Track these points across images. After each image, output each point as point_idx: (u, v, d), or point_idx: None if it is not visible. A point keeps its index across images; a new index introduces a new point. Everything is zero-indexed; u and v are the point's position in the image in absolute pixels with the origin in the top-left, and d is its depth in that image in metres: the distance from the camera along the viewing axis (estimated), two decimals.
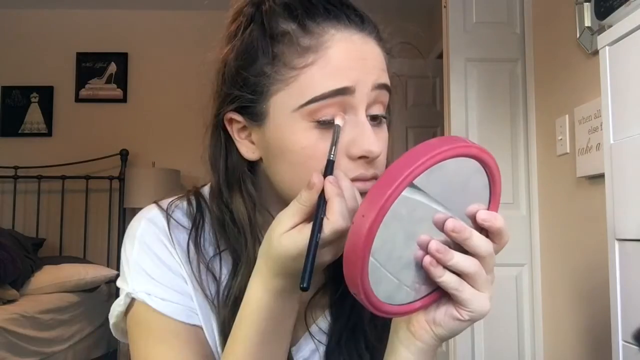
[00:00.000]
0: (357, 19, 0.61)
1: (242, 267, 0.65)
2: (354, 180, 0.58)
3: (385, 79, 0.62)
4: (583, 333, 1.78)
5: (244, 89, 0.62)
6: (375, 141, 0.58)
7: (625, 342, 1.07)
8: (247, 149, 0.65)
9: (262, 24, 0.61)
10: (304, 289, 0.49)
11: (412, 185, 0.48)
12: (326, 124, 0.58)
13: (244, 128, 0.64)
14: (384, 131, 0.63)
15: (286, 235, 0.53)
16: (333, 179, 0.53)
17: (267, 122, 0.61)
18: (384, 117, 0.62)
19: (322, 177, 0.53)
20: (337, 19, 0.60)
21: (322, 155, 0.57)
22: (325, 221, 0.52)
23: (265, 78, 0.60)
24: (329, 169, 0.55)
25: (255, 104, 0.61)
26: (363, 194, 0.59)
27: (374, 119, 0.61)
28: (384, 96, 0.62)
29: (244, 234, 0.65)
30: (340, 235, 0.52)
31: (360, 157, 0.58)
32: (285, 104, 0.59)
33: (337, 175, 0.55)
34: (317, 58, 0.58)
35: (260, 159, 0.64)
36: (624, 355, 1.08)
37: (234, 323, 0.59)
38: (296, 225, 0.53)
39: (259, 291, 0.57)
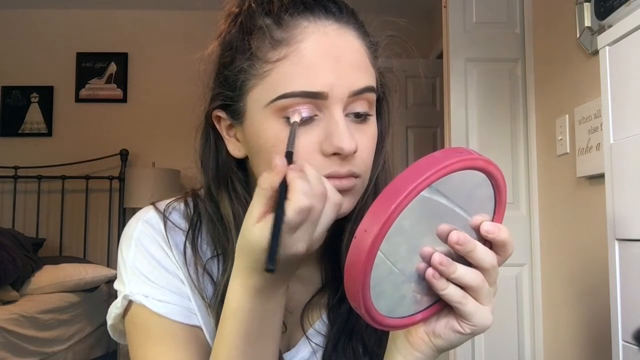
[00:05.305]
0: (335, 10, 0.61)
1: (228, 264, 0.64)
2: (327, 177, 0.57)
3: (365, 81, 0.60)
4: (583, 333, 1.78)
5: (224, 86, 0.62)
6: (347, 138, 0.57)
7: (625, 342, 1.07)
8: (234, 147, 0.65)
9: (241, 23, 0.61)
10: (269, 271, 0.45)
11: (415, 198, 0.47)
12: (299, 123, 0.57)
13: (230, 126, 0.65)
14: (369, 128, 0.62)
15: (256, 227, 0.50)
16: (294, 165, 0.51)
17: (246, 119, 0.61)
18: (369, 115, 0.61)
19: (285, 160, 0.51)
20: (310, 10, 0.59)
21: (295, 153, 0.56)
22: (286, 203, 0.48)
23: (242, 74, 0.60)
24: (288, 159, 0.52)
25: (235, 102, 0.62)
26: (339, 192, 0.59)
27: (357, 116, 0.60)
28: (367, 96, 0.60)
29: (230, 231, 0.65)
30: (310, 221, 0.50)
31: (334, 154, 0.57)
32: (259, 99, 0.59)
33: (300, 164, 0.52)
34: (289, 52, 0.57)
35: (247, 156, 0.64)
36: (624, 355, 1.08)
37: (219, 323, 0.58)
38: (264, 214, 0.50)
39: (238, 290, 0.55)
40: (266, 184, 0.50)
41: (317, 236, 0.52)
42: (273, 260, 0.46)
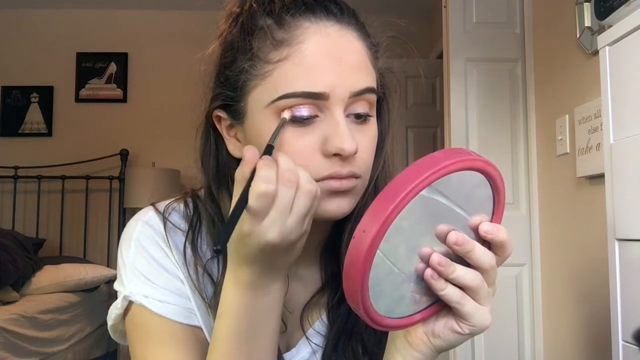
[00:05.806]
0: (336, 10, 0.61)
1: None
2: (328, 177, 0.58)
3: (366, 82, 0.60)
4: (583, 333, 1.78)
5: (225, 86, 0.62)
6: (348, 139, 0.57)
7: (625, 342, 1.07)
8: (234, 147, 0.65)
9: (242, 23, 0.61)
10: (216, 252, 0.46)
11: (414, 198, 0.47)
12: (300, 122, 0.57)
13: (231, 126, 0.65)
14: (370, 129, 0.62)
15: None
16: (267, 157, 0.52)
17: (247, 120, 0.61)
18: (369, 116, 0.61)
19: (257, 152, 0.52)
20: (312, 11, 0.59)
21: (296, 153, 0.57)
22: (250, 190, 0.49)
23: (244, 74, 0.60)
24: (266, 151, 0.53)
25: (236, 102, 0.62)
26: (339, 193, 0.59)
27: (358, 117, 0.60)
28: (368, 97, 0.61)
29: None
30: (277, 208, 0.50)
31: (335, 155, 0.58)
32: (260, 99, 0.59)
33: (277, 154, 0.53)
34: (290, 52, 0.58)
35: None
36: (624, 355, 1.08)
37: (215, 320, 0.58)
38: None
39: (229, 286, 0.56)
40: (239, 175, 0.51)
41: (292, 225, 0.51)
42: (221, 241, 0.46)
